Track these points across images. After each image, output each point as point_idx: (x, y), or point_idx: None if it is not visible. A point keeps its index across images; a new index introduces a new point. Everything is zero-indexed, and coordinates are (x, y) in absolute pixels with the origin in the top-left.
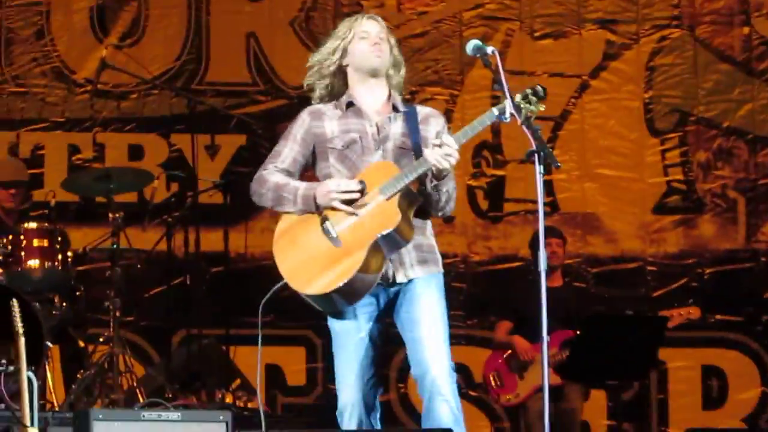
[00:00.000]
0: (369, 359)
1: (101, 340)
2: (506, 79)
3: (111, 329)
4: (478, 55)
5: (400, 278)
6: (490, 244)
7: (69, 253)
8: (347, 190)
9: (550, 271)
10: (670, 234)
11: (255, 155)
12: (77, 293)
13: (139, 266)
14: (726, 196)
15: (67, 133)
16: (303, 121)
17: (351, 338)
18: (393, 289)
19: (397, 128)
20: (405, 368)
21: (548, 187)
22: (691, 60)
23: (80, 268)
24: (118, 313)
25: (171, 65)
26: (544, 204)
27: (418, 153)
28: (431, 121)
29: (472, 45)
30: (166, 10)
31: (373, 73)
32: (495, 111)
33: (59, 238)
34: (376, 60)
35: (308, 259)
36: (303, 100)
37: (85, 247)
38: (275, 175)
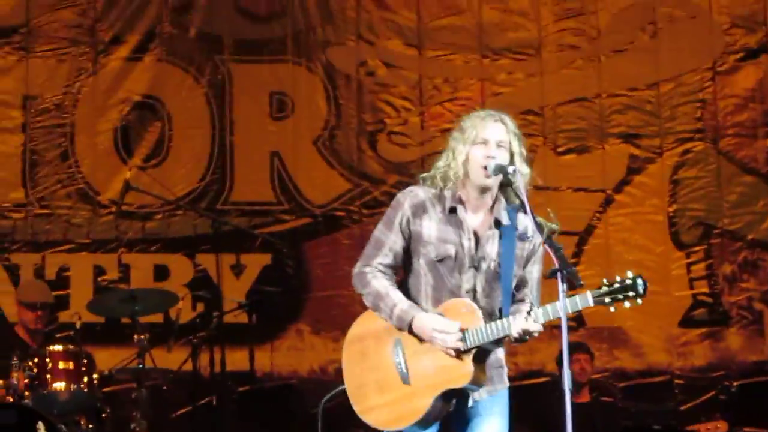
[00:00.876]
0: None
1: None
2: (528, 197)
3: None
4: (499, 175)
5: (468, 401)
6: (517, 360)
7: (95, 375)
8: (447, 331)
9: (579, 387)
10: (697, 347)
11: (280, 274)
12: (103, 415)
13: (165, 387)
14: (752, 309)
15: (93, 254)
16: (404, 212)
17: None
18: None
19: (493, 247)
20: None
21: None
22: (715, 173)
23: (106, 389)
24: None
25: (195, 185)
26: (570, 319)
27: (507, 276)
28: (527, 239)
29: (492, 166)
30: (190, 131)
31: (482, 191)
32: (589, 295)
33: (85, 360)
34: (486, 180)
35: (373, 386)
36: (328, 219)
37: (110, 368)
38: (377, 279)
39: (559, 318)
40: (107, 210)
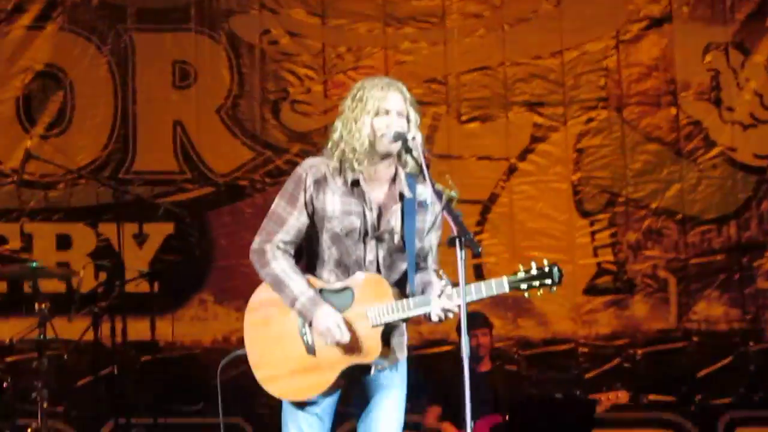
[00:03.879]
0: None
1: (29, 431)
2: (427, 165)
3: (39, 420)
4: (399, 142)
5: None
6: (421, 329)
7: None
8: (341, 340)
9: (478, 359)
10: (602, 315)
11: (183, 243)
12: (4, 384)
13: (65, 356)
14: (656, 277)
15: None
16: (307, 186)
17: (304, 414)
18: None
19: (396, 220)
20: None
21: (478, 270)
22: (619, 141)
23: (7, 359)
24: (45, 404)
25: (98, 155)
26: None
27: (411, 249)
28: (429, 209)
29: (392, 133)
30: (93, 100)
31: (385, 156)
32: (505, 282)
33: None
34: (392, 145)
35: (277, 354)
36: (231, 188)
37: (11, 338)
38: (278, 260)
39: (477, 299)
40: (9, 179)
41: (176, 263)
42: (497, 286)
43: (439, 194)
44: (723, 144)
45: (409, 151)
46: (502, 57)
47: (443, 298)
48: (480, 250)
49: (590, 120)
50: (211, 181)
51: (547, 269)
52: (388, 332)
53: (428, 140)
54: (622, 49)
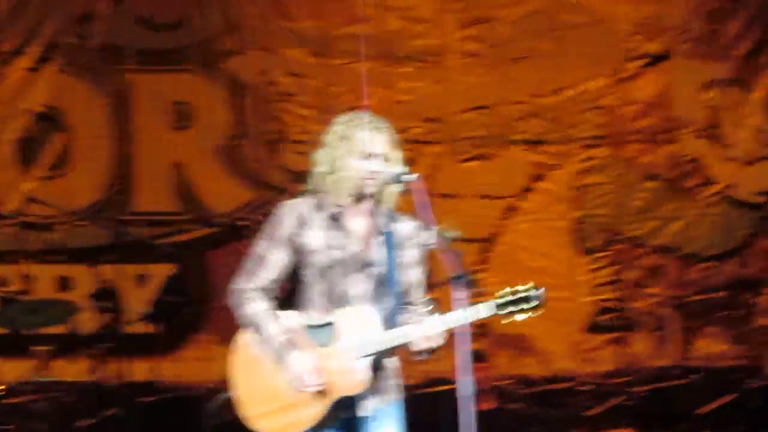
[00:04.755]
0: None
1: None
2: (429, 205)
3: None
4: (400, 182)
5: (360, 412)
6: (423, 367)
7: None
8: (311, 384)
9: (479, 393)
10: (603, 353)
11: (184, 284)
12: (7, 427)
13: (68, 399)
14: (657, 314)
15: None
16: (286, 226)
17: None
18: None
19: (379, 253)
20: None
21: None
22: (619, 179)
23: (9, 401)
24: None
25: (98, 196)
26: (476, 326)
27: (394, 282)
28: (408, 243)
29: (393, 172)
30: (93, 141)
31: (364, 198)
32: (493, 304)
33: None
34: (368, 187)
35: (262, 391)
36: (231, 228)
37: (13, 380)
38: (252, 303)
39: (460, 325)
40: (10, 221)
41: (177, 304)
42: (486, 308)
43: (440, 234)
44: (723, 181)
45: (394, 186)
46: (501, 96)
47: (423, 325)
48: (479, 290)
49: (590, 158)
50: (211, 221)
51: (529, 290)
52: (378, 365)
53: (428, 179)
54: (621, 86)
